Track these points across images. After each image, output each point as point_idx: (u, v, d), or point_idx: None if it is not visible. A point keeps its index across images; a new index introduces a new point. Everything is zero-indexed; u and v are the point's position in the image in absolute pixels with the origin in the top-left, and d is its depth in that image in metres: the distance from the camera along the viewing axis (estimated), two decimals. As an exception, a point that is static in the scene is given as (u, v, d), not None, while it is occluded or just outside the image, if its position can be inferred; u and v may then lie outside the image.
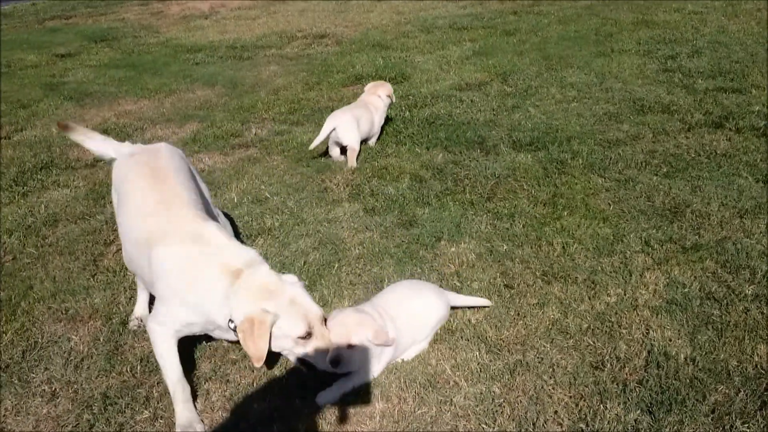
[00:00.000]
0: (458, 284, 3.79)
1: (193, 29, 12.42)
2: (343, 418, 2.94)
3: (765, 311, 3.30)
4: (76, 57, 11.03)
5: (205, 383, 3.22)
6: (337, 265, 4.08)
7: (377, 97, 5.94)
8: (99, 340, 3.54)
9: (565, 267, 3.84)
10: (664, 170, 4.88)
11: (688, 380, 2.93)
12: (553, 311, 3.48)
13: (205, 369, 3.32)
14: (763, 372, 2.94)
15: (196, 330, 3.01)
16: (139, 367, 3.32)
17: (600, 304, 3.51)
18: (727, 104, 5.95)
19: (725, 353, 3.08)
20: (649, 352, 3.14)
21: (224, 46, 10.62)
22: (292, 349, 2.89)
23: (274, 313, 2.80)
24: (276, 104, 7.35)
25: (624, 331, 3.29)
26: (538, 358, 3.19)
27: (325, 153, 5.76)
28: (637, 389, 2.92)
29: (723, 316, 3.31)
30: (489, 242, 4.19)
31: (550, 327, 3.38)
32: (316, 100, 7.39)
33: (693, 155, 5.06)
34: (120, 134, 6.73)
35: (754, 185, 4.51)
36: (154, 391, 3.16)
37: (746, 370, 2.97)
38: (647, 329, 3.29)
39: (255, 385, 3.19)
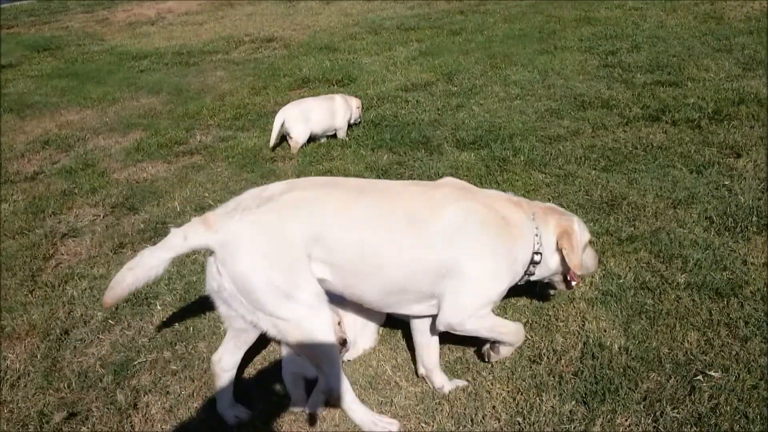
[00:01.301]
0: (400, 284, 3.81)
1: (139, 36, 12.26)
2: (281, 423, 2.94)
3: (696, 299, 3.39)
4: (17, 68, 10.78)
5: (144, 396, 3.19)
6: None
7: (345, 100, 6.07)
8: (36, 357, 3.48)
9: (505, 263, 3.88)
10: (603, 164, 4.98)
11: (621, 369, 3.00)
12: (494, 307, 3.51)
13: (145, 381, 3.28)
14: (692, 358, 3.02)
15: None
16: (76, 383, 3.27)
17: (538, 298, 3.56)
18: (663, 97, 6.09)
19: (657, 341, 3.15)
20: (584, 343, 3.20)
21: (170, 52, 10.49)
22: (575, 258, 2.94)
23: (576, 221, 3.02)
24: (222, 110, 7.29)
25: (561, 324, 3.35)
26: (477, 354, 3.23)
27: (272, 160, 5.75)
28: (572, 380, 2.98)
29: (656, 305, 3.39)
30: (431, 241, 4.21)
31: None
32: (263, 105, 7.36)
33: (630, 149, 5.17)
34: (62, 145, 6.61)
35: (687, 176, 4.63)
36: (93, 407, 3.12)
37: (677, 356, 3.05)
38: (583, 321, 3.35)
39: (196, 396, 3.16)
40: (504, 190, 4.65)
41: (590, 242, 3.20)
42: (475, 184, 4.78)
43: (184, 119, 7.12)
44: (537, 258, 2.94)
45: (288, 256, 2.62)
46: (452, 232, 2.70)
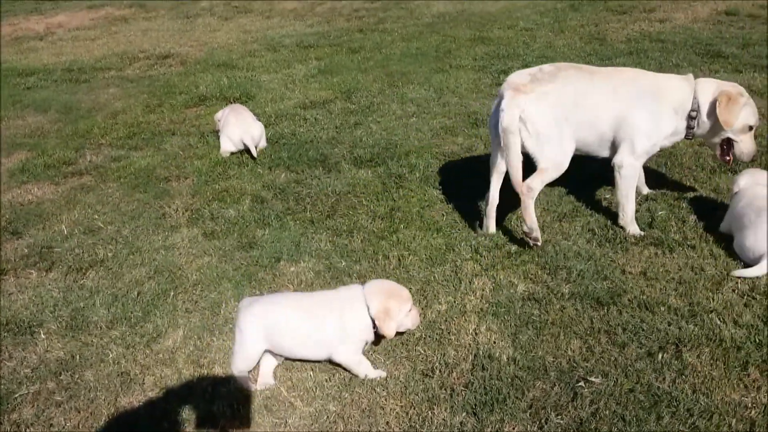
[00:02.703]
0: (296, 304, 3.80)
1: (26, 51, 11.70)
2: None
3: (579, 308, 3.56)
4: None
5: (26, 429, 3.05)
6: (172, 294, 3.98)
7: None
8: None
9: (400, 279, 3.92)
10: (494, 180, 5.14)
11: (509, 379, 3.10)
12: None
13: (27, 414, 3.14)
14: (575, 365, 3.16)
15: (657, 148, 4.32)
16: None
17: (432, 312, 3.64)
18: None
19: (543, 350, 3.28)
20: (475, 355, 3.29)
21: (60, 68, 10.07)
22: (738, 133, 4.19)
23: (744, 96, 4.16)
24: (114, 128, 7.07)
25: (453, 337, 3.43)
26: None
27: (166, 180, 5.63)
28: (463, 392, 3.06)
29: (542, 315, 3.53)
30: (328, 259, 4.23)
31: (385, 339, 3.46)
32: (157, 123, 7.18)
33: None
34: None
35: (573, 190, 4.84)
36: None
37: (561, 364, 3.18)
38: (474, 333, 3.45)
39: (81, 427, 3.05)
40: (399, 208, 4.78)
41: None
42: (371, 202, 4.90)
43: (73, 138, 6.85)
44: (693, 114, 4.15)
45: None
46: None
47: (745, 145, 4.24)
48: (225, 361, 3.40)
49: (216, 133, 6.37)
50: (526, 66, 4.72)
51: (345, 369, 3.24)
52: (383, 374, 3.20)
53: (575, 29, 9.84)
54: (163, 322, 3.72)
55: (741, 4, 10.28)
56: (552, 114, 4.01)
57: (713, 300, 3.51)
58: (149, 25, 13.22)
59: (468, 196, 4.86)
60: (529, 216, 4.04)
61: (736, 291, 3.58)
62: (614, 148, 4.25)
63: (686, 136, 4.27)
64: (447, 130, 6.28)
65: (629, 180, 4.24)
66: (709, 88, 4.16)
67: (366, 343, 3.29)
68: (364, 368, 3.21)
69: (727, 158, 4.34)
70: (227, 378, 3.28)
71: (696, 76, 4.27)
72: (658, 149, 4.33)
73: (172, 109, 7.63)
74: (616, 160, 4.24)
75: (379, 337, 3.30)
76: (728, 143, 4.27)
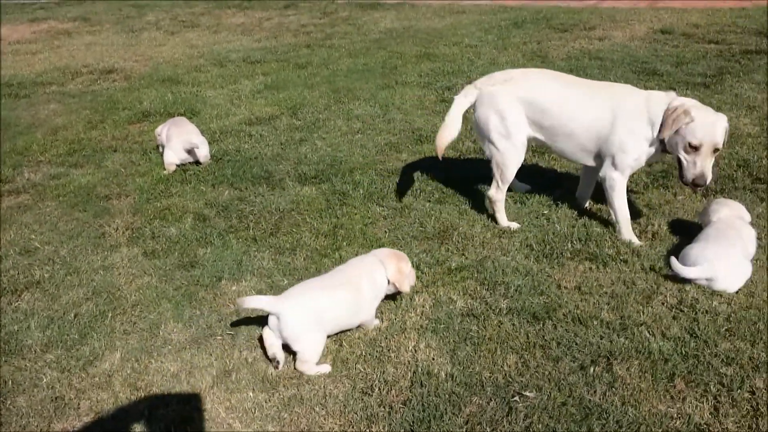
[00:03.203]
0: (237, 323, 3.79)
1: (-38, 65, 11.39)
2: None
3: (515, 323, 3.64)
4: None
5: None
6: (110, 315, 3.93)
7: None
8: None
9: (342, 297, 3.96)
10: (437, 196, 5.22)
11: (447, 395, 3.15)
12: (329, 341, 3.58)
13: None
14: (511, 380, 3.23)
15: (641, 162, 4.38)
16: None
17: (373, 330, 3.67)
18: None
19: (480, 366, 3.35)
20: (414, 372, 3.33)
21: (-2, 83, 9.84)
22: (680, 150, 4.08)
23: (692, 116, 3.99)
24: (54, 145, 6.93)
25: (392, 355, 3.47)
26: (312, 390, 3.28)
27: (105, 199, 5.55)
28: (401, 410, 3.10)
29: (480, 331, 3.60)
30: (270, 278, 4.23)
31: (326, 357, 3.48)
32: (99, 140, 7.07)
33: (462, 181, 5.45)
34: None
35: (512, 206, 4.95)
36: None
37: (497, 379, 3.25)
38: (414, 350, 3.49)
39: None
40: (343, 225, 4.81)
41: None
42: (314, 219, 4.91)
43: (11, 156, 6.69)
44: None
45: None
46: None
47: (689, 168, 4.05)
48: (163, 383, 3.37)
49: (158, 149, 6.33)
50: (470, 83, 4.83)
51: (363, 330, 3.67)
52: (378, 322, 3.75)
53: (518, 46, 10.05)
54: (100, 344, 3.67)
55: (676, 23, 10.67)
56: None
57: (643, 313, 3.63)
58: (93, 39, 13.00)
59: (410, 214, 4.92)
60: None
61: (665, 304, 3.71)
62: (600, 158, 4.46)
63: (663, 151, 4.24)
64: (392, 146, 6.35)
65: (612, 192, 4.39)
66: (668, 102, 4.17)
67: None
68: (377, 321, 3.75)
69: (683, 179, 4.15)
70: (165, 400, 3.25)
71: None
72: (643, 162, 4.39)
73: (114, 125, 7.52)
74: (602, 173, 4.42)
75: (388, 296, 3.85)
76: (678, 162, 4.16)
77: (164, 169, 6.02)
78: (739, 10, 11.41)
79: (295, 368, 3.41)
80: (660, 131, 4.11)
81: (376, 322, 3.73)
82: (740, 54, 8.61)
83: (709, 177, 4.05)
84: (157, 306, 4.00)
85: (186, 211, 5.20)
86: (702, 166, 4.01)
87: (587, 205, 4.89)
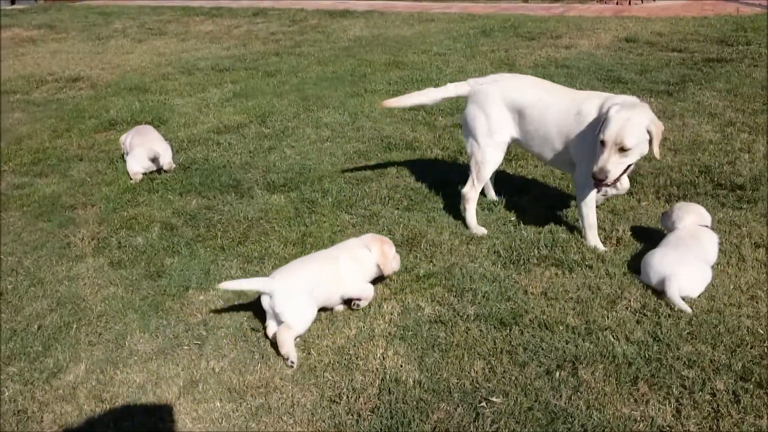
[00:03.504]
0: (204, 333, 3.78)
1: (-75, 73, 11.18)
2: None
3: (483, 329, 3.66)
4: None
5: None
6: (75, 326, 3.89)
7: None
8: None
9: (310, 305, 3.96)
10: (405, 204, 5.24)
11: (414, 402, 3.16)
12: (297, 350, 3.57)
13: None
14: (478, 386, 3.25)
15: None
16: None
17: (341, 338, 3.67)
18: (461, 139, 6.43)
19: (448, 372, 3.36)
20: (382, 379, 3.34)
21: (-39, 91, 9.67)
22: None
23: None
24: (18, 155, 6.82)
25: (360, 362, 3.47)
26: (280, 399, 3.27)
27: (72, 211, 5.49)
28: (369, 417, 3.10)
29: (448, 337, 3.62)
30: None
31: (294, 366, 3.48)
32: (65, 149, 6.98)
33: (431, 188, 5.48)
34: None
35: (480, 212, 4.98)
36: None
37: (464, 386, 3.27)
38: (382, 358, 3.50)
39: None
40: (311, 233, 4.81)
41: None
42: (283, 228, 4.91)
43: (-27, 165, 6.59)
44: None
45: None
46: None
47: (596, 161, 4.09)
48: (128, 394, 3.33)
49: (124, 158, 6.28)
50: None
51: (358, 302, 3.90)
52: (372, 293, 3.99)
53: (486, 54, 10.16)
54: (64, 356, 3.62)
55: (640, 32, 10.86)
56: None
57: (608, 318, 3.69)
58: (59, 47, 12.86)
59: (379, 222, 4.94)
60: None
61: (629, 309, 3.77)
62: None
63: None
64: (360, 154, 6.36)
65: (580, 198, 4.44)
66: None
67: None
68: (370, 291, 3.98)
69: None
70: (131, 412, 3.22)
71: None
72: None
73: (80, 134, 7.43)
74: (574, 178, 4.54)
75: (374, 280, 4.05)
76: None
77: (131, 178, 5.97)
78: (701, 19, 11.67)
79: (274, 336, 3.60)
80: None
81: (370, 292, 3.95)
82: (702, 62, 8.80)
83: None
84: (123, 316, 3.96)
85: (153, 221, 5.16)
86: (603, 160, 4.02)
87: (559, 212, 4.94)
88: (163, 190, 5.74)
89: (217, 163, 6.30)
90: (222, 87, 9.22)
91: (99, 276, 4.44)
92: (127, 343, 3.72)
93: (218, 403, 3.25)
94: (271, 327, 3.67)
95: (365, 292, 3.93)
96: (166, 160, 6.09)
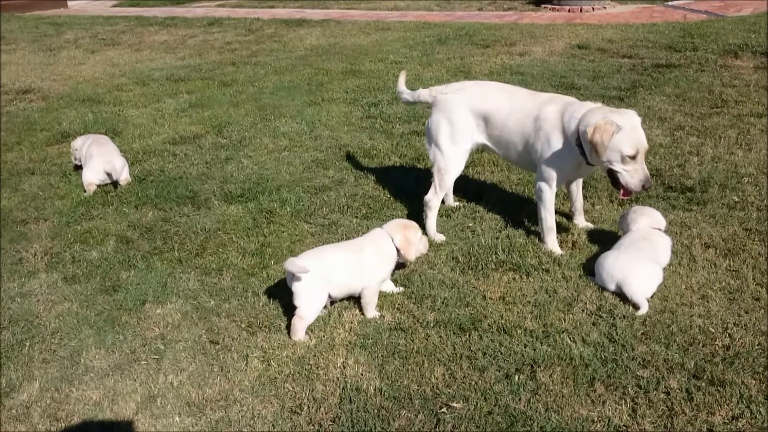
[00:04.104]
0: (162, 347, 3.72)
1: None
2: None
3: (443, 335, 3.69)
4: None
5: None
6: (28, 344, 3.80)
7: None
8: None
9: (270, 316, 3.95)
10: (364, 212, 5.25)
11: (376, 411, 3.17)
12: (257, 362, 3.55)
13: None
14: (438, 392, 3.27)
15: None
16: None
17: (301, 348, 3.66)
18: (418, 146, 6.57)
19: (408, 379, 3.38)
20: (343, 389, 3.34)
21: None
22: (615, 163, 4.04)
23: (617, 125, 3.95)
24: (-34, 169, 6.66)
25: (321, 372, 3.46)
26: (240, 412, 3.24)
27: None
28: (330, 427, 3.10)
29: (408, 345, 3.63)
30: (196, 299, 4.17)
31: (254, 378, 3.45)
32: (15, 162, 6.83)
33: (389, 196, 5.50)
34: None
35: (439, 219, 5.01)
36: None
37: (425, 392, 3.28)
38: (343, 367, 3.50)
39: None
40: (270, 243, 4.78)
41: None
42: (241, 238, 4.87)
43: None
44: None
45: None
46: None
47: (630, 176, 4.05)
48: (84, 411, 3.27)
49: (76, 167, 6.17)
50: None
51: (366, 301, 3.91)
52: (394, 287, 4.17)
53: (442, 62, 10.26)
54: (17, 375, 3.53)
55: (592, 38, 11.08)
56: None
57: (565, 320, 3.74)
58: (8, 58, 12.58)
59: (338, 230, 4.94)
60: None
61: (585, 311, 3.84)
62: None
63: (588, 163, 4.26)
64: (318, 163, 6.36)
65: (539, 202, 4.53)
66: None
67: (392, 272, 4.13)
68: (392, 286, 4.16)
69: (621, 191, 4.17)
70: (87, 429, 3.16)
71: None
72: (569, 175, 4.52)
73: (32, 147, 7.28)
74: (535, 182, 4.60)
75: (399, 265, 4.19)
76: (612, 174, 4.15)
77: (84, 190, 5.86)
78: (650, 25, 11.96)
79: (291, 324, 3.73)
80: (596, 154, 4.02)
81: (392, 287, 4.12)
82: (652, 68, 9.02)
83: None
84: (78, 332, 3.89)
85: (108, 234, 5.07)
86: (639, 172, 4.04)
87: (516, 217, 5.00)
88: (118, 202, 5.65)
89: (173, 175, 6.23)
90: (177, 97, 9.13)
91: (52, 292, 4.35)
92: (82, 360, 3.65)
93: (177, 418, 3.21)
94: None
95: (389, 288, 4.12)
96: (123, 176, 5.99)
